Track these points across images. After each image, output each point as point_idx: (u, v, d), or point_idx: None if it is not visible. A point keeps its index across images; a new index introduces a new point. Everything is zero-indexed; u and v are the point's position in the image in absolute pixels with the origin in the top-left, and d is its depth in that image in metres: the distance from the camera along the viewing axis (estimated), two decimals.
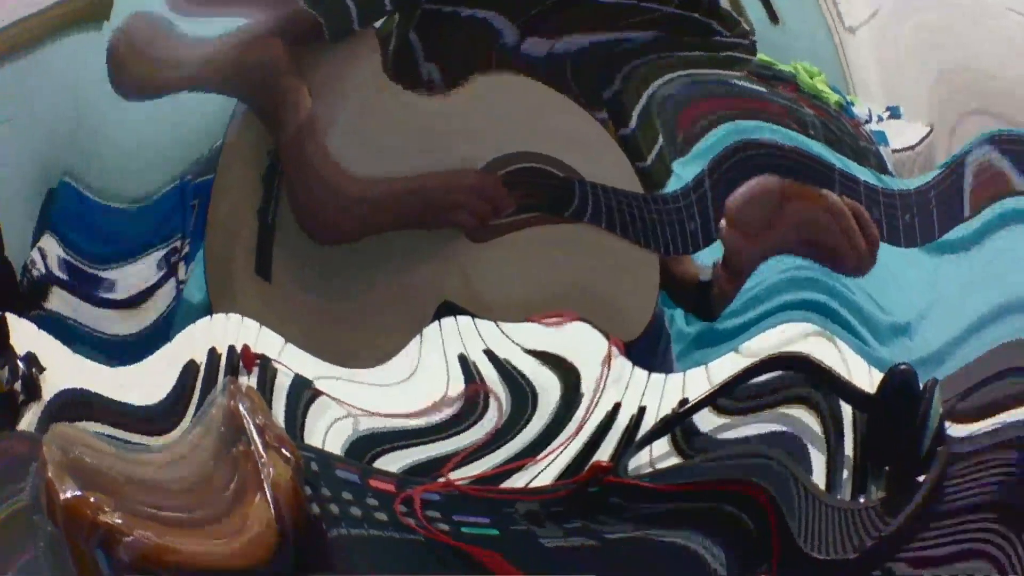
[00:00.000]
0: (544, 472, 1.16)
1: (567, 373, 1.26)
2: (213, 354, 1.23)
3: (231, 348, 1.24)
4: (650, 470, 1.17)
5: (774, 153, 1.38)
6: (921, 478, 1.18)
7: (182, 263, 1.77)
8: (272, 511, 0.94)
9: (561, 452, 1.18)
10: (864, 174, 1.48)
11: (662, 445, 1.20)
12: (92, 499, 0.96)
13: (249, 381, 1.21)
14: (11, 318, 1.30)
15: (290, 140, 1.40)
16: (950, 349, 1.73)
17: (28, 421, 1.23)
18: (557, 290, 1.39)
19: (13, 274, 1.36)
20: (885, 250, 1.33)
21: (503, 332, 1.30)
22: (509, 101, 1.42)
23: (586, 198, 1.39)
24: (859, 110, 2.09)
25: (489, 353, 1.28)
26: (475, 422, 1.22)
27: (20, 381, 1.24)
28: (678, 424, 1.20)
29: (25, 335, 1.31)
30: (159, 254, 1.81)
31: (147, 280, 1.82)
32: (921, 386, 1.21)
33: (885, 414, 1.18)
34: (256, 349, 1.25)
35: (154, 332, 1.70)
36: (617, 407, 1.23)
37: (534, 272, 1.40)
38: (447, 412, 1.19)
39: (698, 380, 1.27)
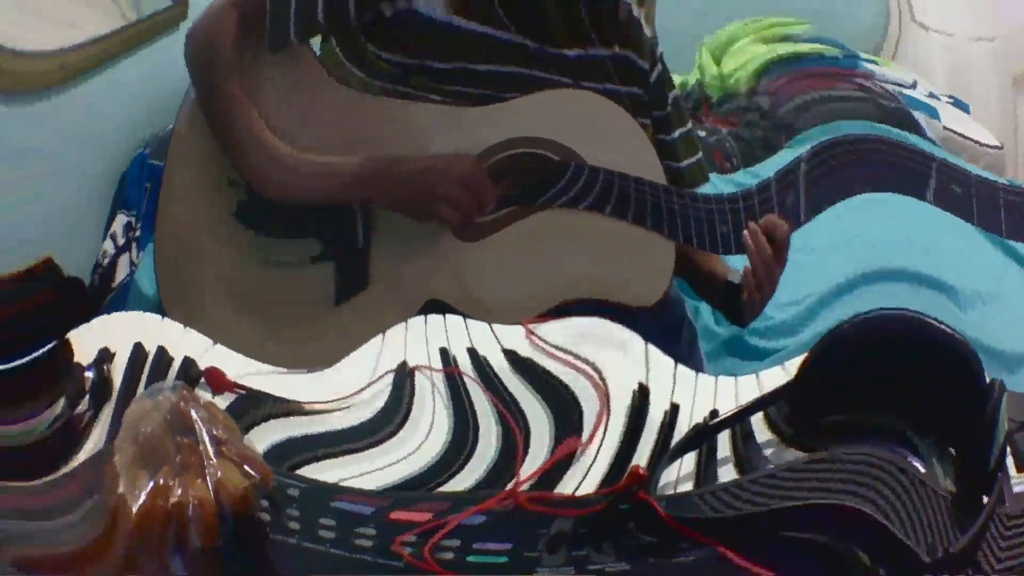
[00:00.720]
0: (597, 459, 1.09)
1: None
2: (163, 353, 1.14)
3: (187, 359, 1.14)
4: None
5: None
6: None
7: (135, 244, 1.85)
8: (211, 494, 0.88)
9: (605, 431, 1.11)
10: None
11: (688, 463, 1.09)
12: None
13: (213, 399, 1.10)
14: None
15: (257, 178, 1.37)
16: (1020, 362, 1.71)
17: None
18: (557, 283, 1.34)
19: None
20: (928, 213, 1.34)
21: (493, 332, 1.22)
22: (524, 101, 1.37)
23: (578, 178, 1.34)
24: (896, 75, 2.15)
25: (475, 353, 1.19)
26: (471, 452, 1.12)
27: None
28: (710, 437, 1.09)
29: None
30: (123, 220, 1.85)
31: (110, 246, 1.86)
32: (987, 379, 1.06)
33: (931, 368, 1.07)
34: (215, 365, 1.14)
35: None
36: (645, 392, 1.13)
37: (530, 268, 1.35)
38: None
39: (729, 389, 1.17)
